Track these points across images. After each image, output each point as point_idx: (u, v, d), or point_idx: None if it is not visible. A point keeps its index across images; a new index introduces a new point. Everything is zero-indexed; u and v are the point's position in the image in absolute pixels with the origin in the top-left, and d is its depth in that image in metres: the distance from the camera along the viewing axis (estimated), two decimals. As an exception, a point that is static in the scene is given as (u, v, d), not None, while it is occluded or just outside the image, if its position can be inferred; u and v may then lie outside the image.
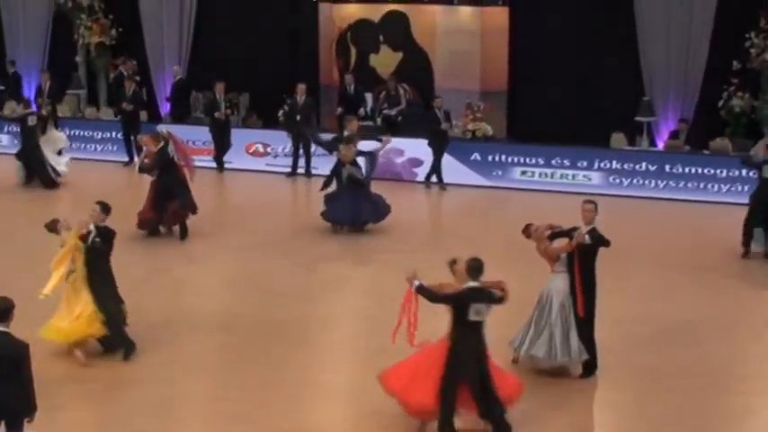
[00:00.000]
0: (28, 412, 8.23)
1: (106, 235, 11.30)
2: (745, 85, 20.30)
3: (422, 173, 20.53)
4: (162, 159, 16.15)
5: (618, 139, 20.79)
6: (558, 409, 10.47)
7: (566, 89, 21.45)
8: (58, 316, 11.28)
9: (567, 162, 20.04)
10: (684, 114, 20.57)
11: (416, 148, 20.55)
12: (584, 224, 11.00)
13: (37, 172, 19.77)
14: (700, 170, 18.86)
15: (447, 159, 20.09)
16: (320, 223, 17.16)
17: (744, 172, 18.15)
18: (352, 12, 23.05)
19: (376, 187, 17.48)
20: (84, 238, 11.17)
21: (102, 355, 11.43)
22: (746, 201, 16.03)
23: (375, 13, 22.80)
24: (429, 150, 20.12)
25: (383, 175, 18.93)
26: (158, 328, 12.14)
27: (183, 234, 16.23)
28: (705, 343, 12.19)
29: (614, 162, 19.80)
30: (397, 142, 19.85)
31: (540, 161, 20.20)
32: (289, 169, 21.14)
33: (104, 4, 24.70)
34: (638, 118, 20.49)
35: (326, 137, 17.87)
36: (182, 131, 21.57)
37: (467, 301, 9.52)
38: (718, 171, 18.99)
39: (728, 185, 18.85)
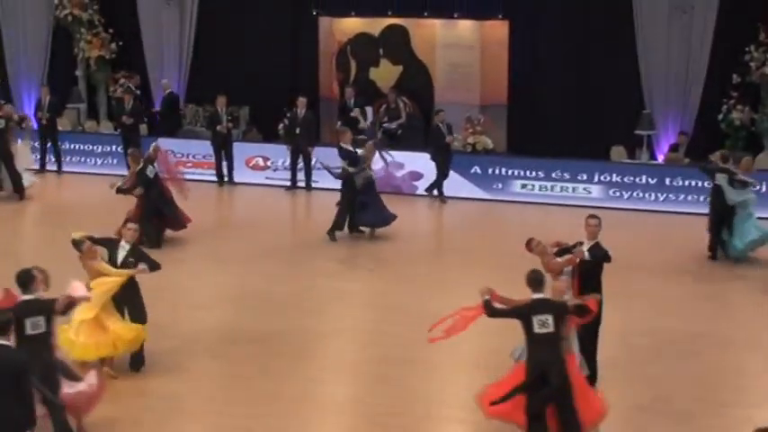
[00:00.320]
0: (28, 426, 8.20)
1: (140, 256, 11.41)
2: (745, 99, 20.33)
3: (422, 186, 20.53)
4: (141, 180, 16.35)
5: (618, 152, 20.80)
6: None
7: (565, 102, 21.48)
8: (84, 333, 11.03)
9: (567, 175, 20.03)
10: (684, 127, 20.61)
11: (416, 162, 20.55)
12: (587, 239, 11.02)
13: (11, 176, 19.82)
14: (700, 183, 18.82)
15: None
16: (320, 236, 17.18)
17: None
18: (353, 25, 23.09)
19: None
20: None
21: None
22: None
23: (375, 26, 22.83)
24: (430, 164, 20.12)
25: (383, 189, 18.92)
26: (158, 340, 12.09)
27: (158, 243, 16.25)
28: (705, 355, 12.16)
29: (614, 175, 19.79)
30: (396, 156, 19.84)
31: (541, 174, 20.19)
32: (288, 183, 21.14)
33: (104, 18, 24.72)
34: (638, 131, 20.51)
35: (336, 169, 17.83)
36: (174, 145, 21.86)
37: (528, 314, 9.43)
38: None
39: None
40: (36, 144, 22.61)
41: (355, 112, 21.28)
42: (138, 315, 11.37)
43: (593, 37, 21.21)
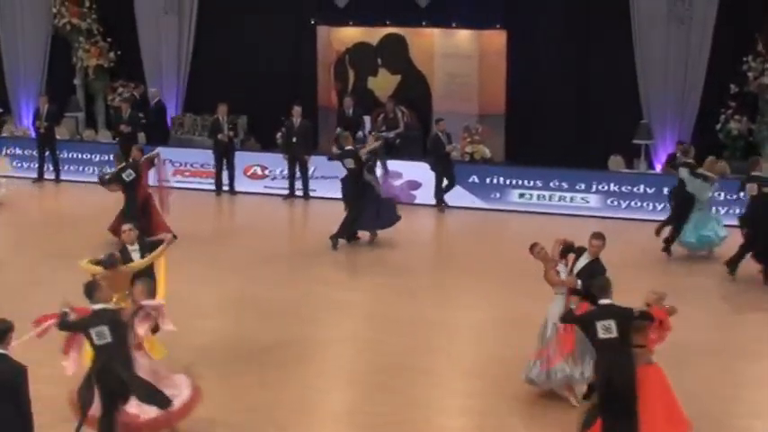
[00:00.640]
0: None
1: (152, 245, 11.48)
2: (743, 108, 20.37)
3: (420, 195, 20.54)
4: (116, 178, 16.72)
5: (616, 162, 20.83)
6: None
7: (564, 112, 21.51)
8: None
9: (565, 185, 20.05)
10: (682, 137, 20.61)
11: (414, 171, 20.57)
12: (589, 255, 11.01)
13: None
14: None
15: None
16: (318, 246, 17.18)
17: (743, 195, 18.18)
18: (351, 35, 23.12)
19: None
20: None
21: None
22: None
23: (373, 36, 22.87)
24: (428, 173, 20.16)
25: (381, 198, 18.95)
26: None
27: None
28: (696, 365, 12.14)
29: (612, 185, 19.81)
30: (395, 165, 19.87)
31: (539, 184, 20.21)
32: (286, 192, 21.16)
33: (103, 27, 24.75)
34: (636, 141, 20.54)
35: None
36: (172, 153, 21.89)
37: (592, 320, 9.44)
38: (716, 194, 18.97)
39: (727, 207, 18.83)
40: (34, 153, 22.69)
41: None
42: None
43: (592, 47, 21.25)
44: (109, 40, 24.67)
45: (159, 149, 18.43)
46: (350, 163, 17.40)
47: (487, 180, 20.48)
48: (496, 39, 21.95)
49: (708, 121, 20.52)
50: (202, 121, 23.09)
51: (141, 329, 9.97)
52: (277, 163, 21.43)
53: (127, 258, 11.37)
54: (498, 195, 20.42)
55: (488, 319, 13.82)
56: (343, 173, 17.74)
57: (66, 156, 22.84)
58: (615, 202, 19.72)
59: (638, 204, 19.58)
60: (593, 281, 9.81)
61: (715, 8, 20.15)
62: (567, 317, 9.93)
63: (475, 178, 20.49)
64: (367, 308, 14.53)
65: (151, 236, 16.36)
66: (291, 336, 13.03)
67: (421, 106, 22.53)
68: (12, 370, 8.06)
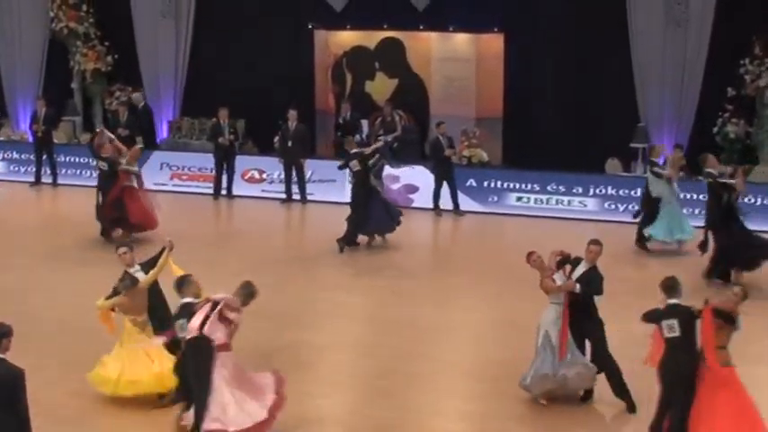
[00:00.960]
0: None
1: (152, 263, 11.45)
2: (740, 112, 20.38)
3: (417, 199, 20.53)
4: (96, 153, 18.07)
5: (613, 165, 20.84)
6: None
7: (561, 115, 21.51)
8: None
9: (562, 188, 20.05)
10: (679, 140, 20.61)
11: (412, 175, 20.57)
12: (586, 262, 11.02)
13: None
14: (695, 196, 18.82)
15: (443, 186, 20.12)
16: (316, 250, 17.18)
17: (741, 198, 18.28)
18: (348, 39, 23.12)
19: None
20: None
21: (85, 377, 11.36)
22: (745, 228, 16.11)
23: (371, 40, 22.87)
24: (426, 177, 20.16)
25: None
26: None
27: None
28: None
29: (610, 188, 19.82)
30: (392, 169, 19.85)
31: (536, 187, 20.21)
32: (284, 196, 21.16)
33: (100, 30, 24.72)
34: (633, 144, 20.56)
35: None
36: (170, 157, 21.91)
37: (659, 319, 9.72)
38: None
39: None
40: (32, 157, 22.68)
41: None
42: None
43: (589, 50, 21.24)
44: (106, 43, 24.65)
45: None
46: (355, 165, 17.47)
47: (485, 183, 20.48)
48: (494, 42, 21.96)
49: (705, 124, 20.54)
50: (200, 124, 23.08)
51: (219, 332, 9.94)
52: (274, 167, 21.42)
53: (133, 281, 11.23)
54: (496, 199, 20.43)
55: (487, 321, 13.83)
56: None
57: (63, 159, 22.81)
58: (613, 206, 19.73)
59: (636, 208, 19.53)
60: (663, 281, 9.93)
61: (712, 11, 20.17)
62: (647, 316, 10.03)
63: (472, 182, 20.49)
64: (365, 311, 14.52)
65: (128, 223, 17.28)
66: (288, 339, 13.02)
67: (418, 110, 22.53)
68: (9, 374, 8.04)
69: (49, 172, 22.60)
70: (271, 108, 22.37)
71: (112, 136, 18.63)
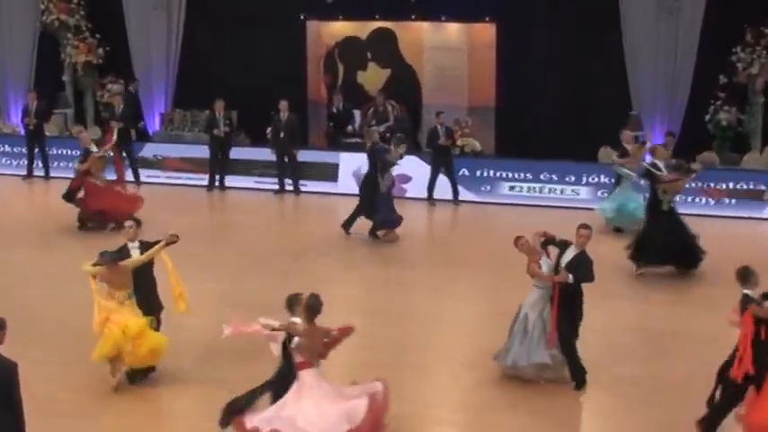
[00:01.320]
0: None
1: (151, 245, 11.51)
2: (732, 99, 20.41)
3: (411, 189, 20.52)
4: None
5: (606, 154, 20.80)
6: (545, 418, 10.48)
7: (553, 104, 21.52)
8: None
9: (555, 177, 20.07)
10: (671, 128, 20.62)
11: (405, 165, 20.50)
12: (575, 246, 11.04)
13: None
14: (689, 184, 18.85)
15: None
16: (309, 241, 17.17)
17: (731, 184, 18.34)
18: (340, 29, 23.10)
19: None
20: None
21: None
22: (737, 215, 16.13)
23: (362, 30, 22.86)
24: (419, 167, 20.17)
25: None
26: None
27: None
28: (688, 356, 12.16)
29: (602, 176, 19.82)
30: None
31: (529, 176, 20.22)
32: (276, 187, 21.14)
33: (91, 23, 24.67)
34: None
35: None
36: (161, 149, 21.89)
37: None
38: (706, 185, 19.04)
39: (716, 199, 18.88)
40: (23, 150, 22.62)
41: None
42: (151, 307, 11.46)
43: (581, 39, 21.24)
44: (97, 36, 24.59)
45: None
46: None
47: (478, 173, 20.49)
48: (486, 32, 21.95)
49: (697, 112, 20.58)
50: (192, 116, 23.05)
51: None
52: (267, 158, 21.38)
53: (126, 255, 11.36)
54: (489, 188, 20.44)
55: (482, 311, 13.83)
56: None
57: (55, 152, 22.75)
58: (605, 194, 19.70)
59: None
60: (738, 269, 9.76)
61: (704, -1, 20.22)
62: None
63: (465, 171, 20.49)
64: (360, 302, 14.52)
65: (92, 213, 17.76)
66: (283, 331, 12.98)
67: (411, 100, 22.53)
68: (3, 366, 8.02)
69: (41, 165, 22.54)
70: (263, 99, 22.34)
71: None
